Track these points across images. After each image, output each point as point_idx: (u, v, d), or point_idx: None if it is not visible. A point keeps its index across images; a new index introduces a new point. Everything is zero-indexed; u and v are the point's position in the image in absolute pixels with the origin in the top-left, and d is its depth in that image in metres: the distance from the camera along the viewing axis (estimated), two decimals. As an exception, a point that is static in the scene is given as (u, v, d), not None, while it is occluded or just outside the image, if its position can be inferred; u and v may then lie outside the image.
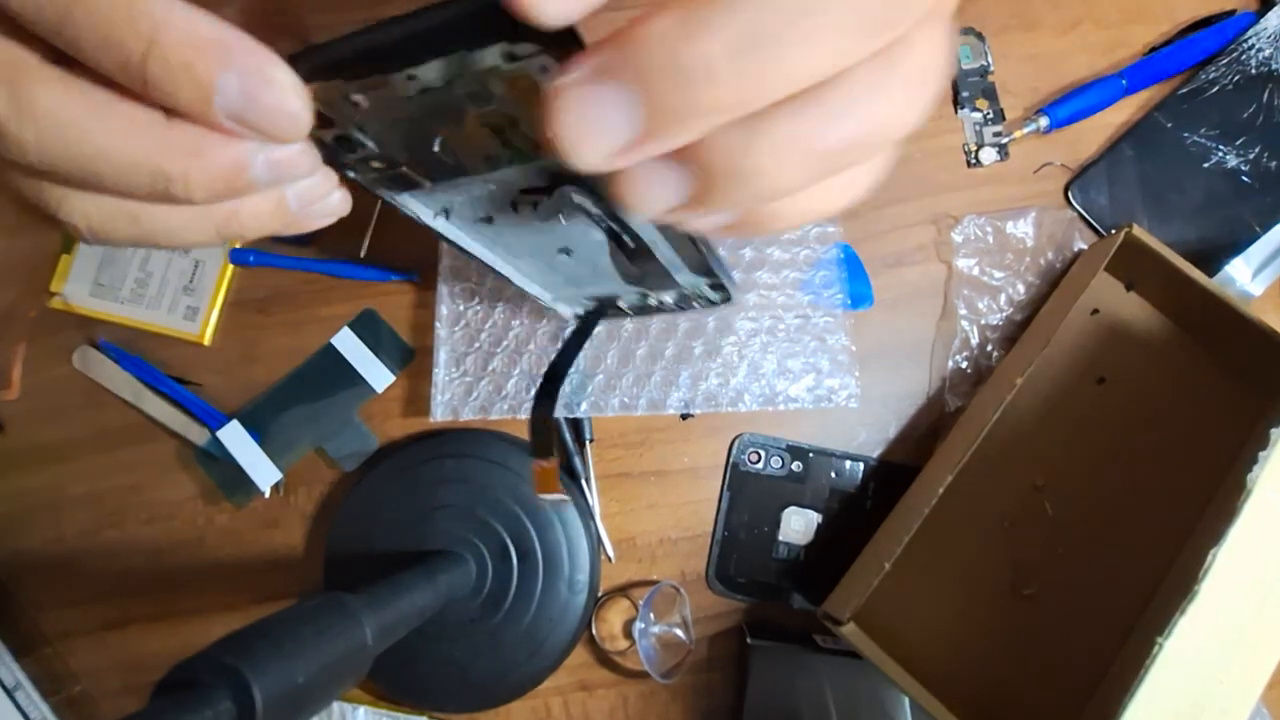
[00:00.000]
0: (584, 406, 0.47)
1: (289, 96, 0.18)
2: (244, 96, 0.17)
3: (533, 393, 0.47)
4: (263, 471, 0.47)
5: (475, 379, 0.47)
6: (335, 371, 0.48)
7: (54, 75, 0.17)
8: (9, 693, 0.45)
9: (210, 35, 0.16)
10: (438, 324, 0.48)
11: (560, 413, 0.47)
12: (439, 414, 0.46)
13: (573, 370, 0.47)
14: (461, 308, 0.48)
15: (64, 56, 0.17)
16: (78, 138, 0.17)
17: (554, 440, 0.28)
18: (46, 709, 0.46)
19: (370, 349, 0.48)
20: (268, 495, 0.48)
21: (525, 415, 0.47)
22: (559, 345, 0.48)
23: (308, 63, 0.18)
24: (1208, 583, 0.37)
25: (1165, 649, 0.36)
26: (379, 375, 0.48)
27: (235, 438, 0.47)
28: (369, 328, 0.49)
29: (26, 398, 0.49)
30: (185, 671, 0.23)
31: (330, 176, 0.22)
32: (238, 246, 0.49)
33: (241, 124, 0.18)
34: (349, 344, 0.48)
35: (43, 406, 0.49)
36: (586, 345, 0.48)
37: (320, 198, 0.22)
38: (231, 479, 0.47)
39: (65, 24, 0.16)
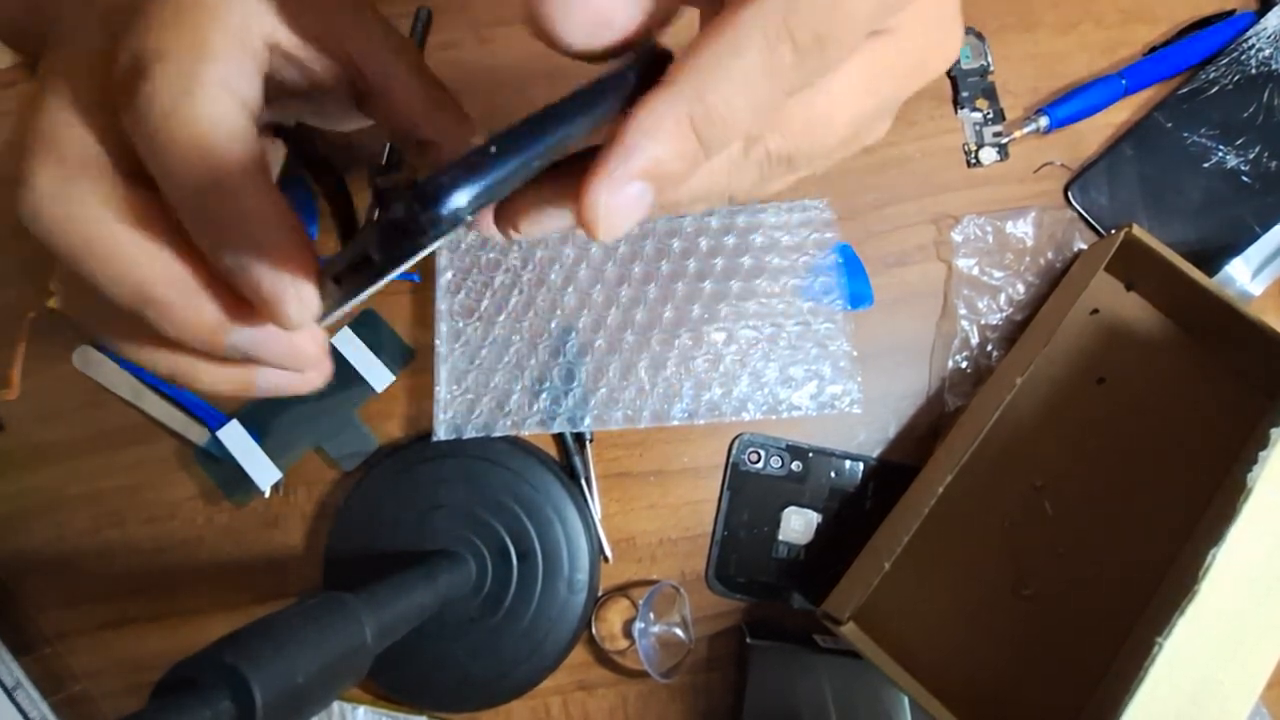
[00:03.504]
0: (587, 421, 0.47)
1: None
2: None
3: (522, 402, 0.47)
4: (263, 471, 0.47)
5: (477, 396, 0.47)
6: (335, 371, 0.48)
7: (115, 182, 0.21)
8: (9, 692, 0.45)
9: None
10: (437, 341, 0.47)
11: (564, 428, 0.47)
12: (442, 433, 0.46)
13: (575, 384, 0.47)
14: (461, 324, 0.48)
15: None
16: (96, 237, 0.21)
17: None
18: (46, 708, 0.46)
19: (370, 349, 0.48)
20: (268, 495, 0.48)
21: (529, 431, 0.47)
22: (560, 360, 0.48)
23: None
24: (1207, 582, 0.37)
25: (1165, 649, 0.36)
26: (379, 375, 0.48)
27: (235, 437, 0.47)
28: (369, 328, 0.49)
29: (26, 398, 0.49)
30: (185, 671, 0.23)
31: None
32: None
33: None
34: (349, 344, 0.48)
35: (43, 406, 0.49)
36: (589, 359, 0.48)
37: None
38: (231, 479, 0.47)
39: (155, 137, 0.20)
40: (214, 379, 0.24)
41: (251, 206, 0.20)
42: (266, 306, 0.20)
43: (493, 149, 0.15)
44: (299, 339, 0.23)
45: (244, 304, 0.21)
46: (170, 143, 0.20)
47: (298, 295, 0.20)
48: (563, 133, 0.17)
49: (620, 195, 0.17)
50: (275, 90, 0.25)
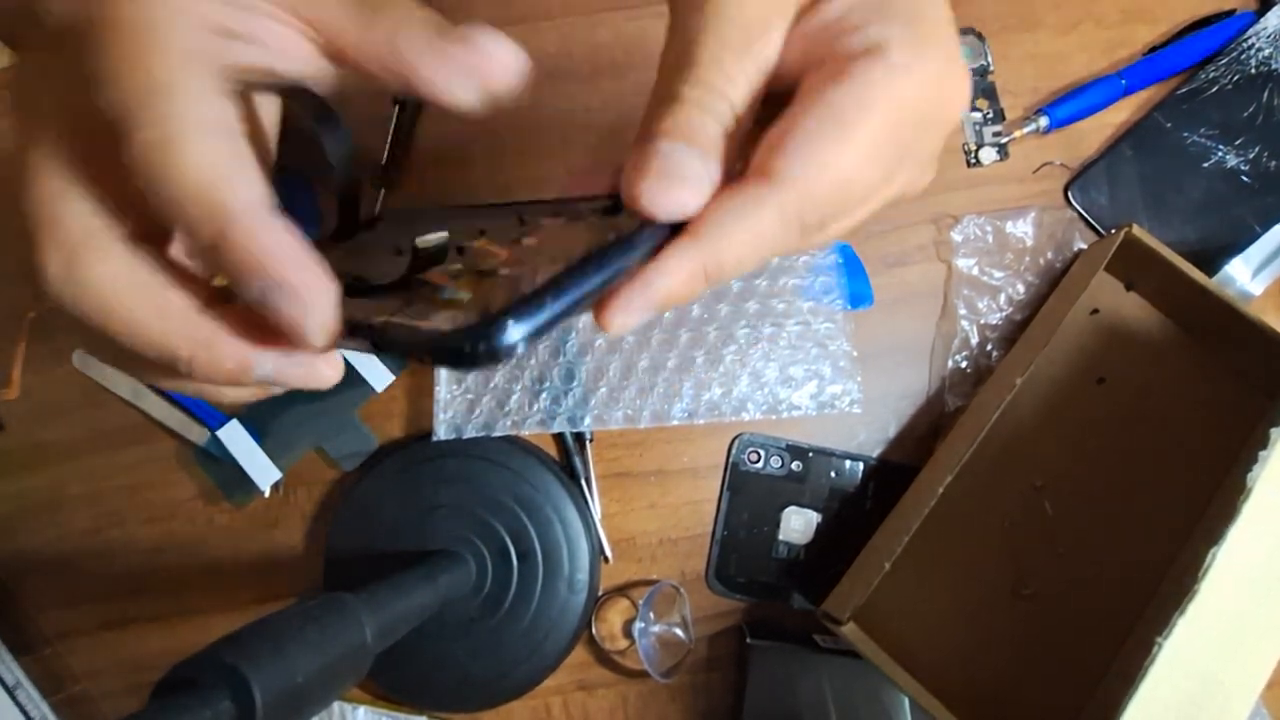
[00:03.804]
0: (588, 421, 0.47)
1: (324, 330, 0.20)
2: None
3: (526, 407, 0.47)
4: (263, 471, 0.47)
5: (477, 396, 0.47)
6: (335, 371, 0.48)
7: (118, 252, 0.21)
8: (9, 691, 0.45)
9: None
10: None
11: (564, 428, 0.47)
12: (442, 433, 0.46)
13: (575, 384, 0.47)
14: None
15: (141, 234, 0.21)
16: (111, 310, 0.21)
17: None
18: (46, 708, 0.46)
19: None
20: (268, 495, 0.48)
21: (529, 431, 0.47)
22: (560, 359, 0.48)
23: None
24: (1207, 582, 0.37)
25: (1165, 649, 0.36)
26: (379, 375, 0.48)
27: (235, 437, 0.47)
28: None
29: (26, 398, 0.49)
30: (185, 671, 0.23)
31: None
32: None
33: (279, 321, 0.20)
34: (349, 344, 0.48)
35: (43, 406, 0.49)
36: (589, 358, 0.48)
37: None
38: (231, 479, 0.47)
39: (157, 198, 0.19)
40: (239, 396, 0.25)
41: (258, 246, 0.20)
42: (289, 334, 0.21)
43: (549, 296, 0.17)
44: (319, 365, 0.23)
45: (268, 331, 0.22)
46: (170, 197, 0.20)
47: (317, 324, 0.20)
48: (608, 279, 0.19)
49: (633, 314, 0.20)
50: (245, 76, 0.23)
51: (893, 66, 0.20)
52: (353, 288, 0.22)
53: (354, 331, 0.20)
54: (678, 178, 0.20)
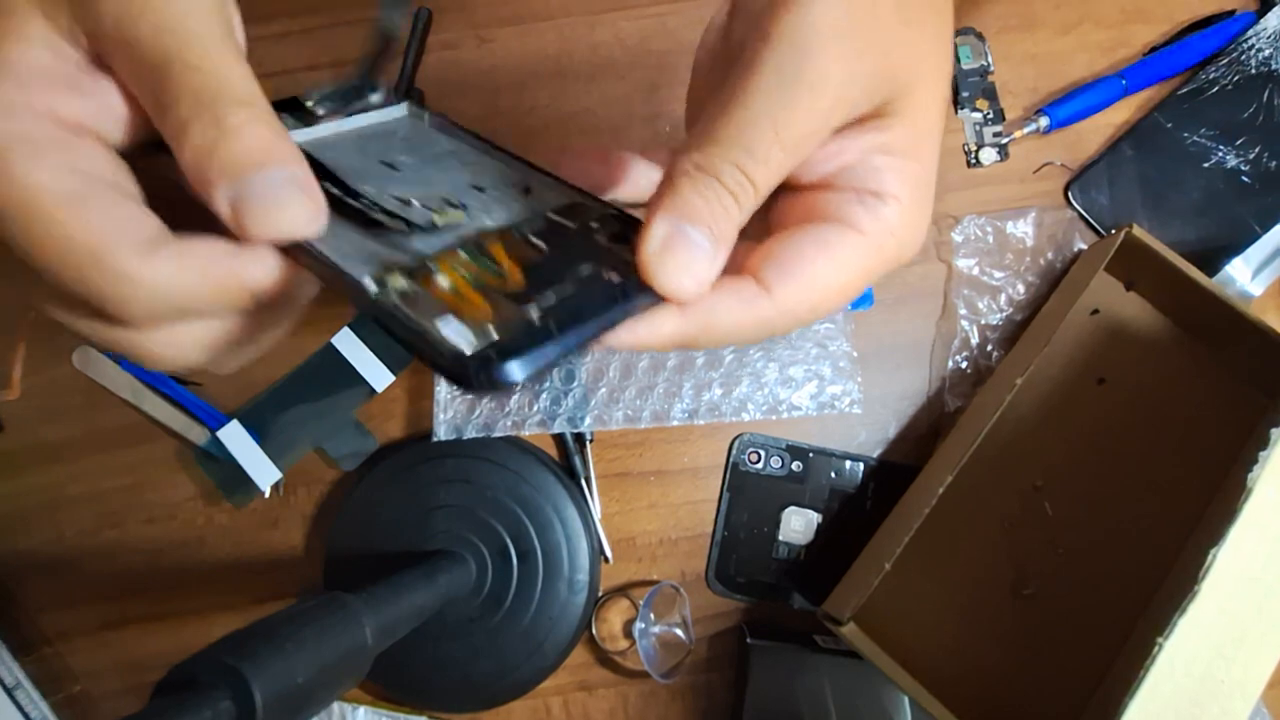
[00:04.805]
0: (588, 421, 0.47)
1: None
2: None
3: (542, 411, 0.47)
4: (263, 471, 0.47)
5: (477, 396, 0.47)
6: (335, 371, 0.48)
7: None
8: (9, 692, 0.45)
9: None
10: None
11: (564, 428, 0.47)
12: (442, 433, 0.46)
13: (575, 384, 0.47)
14: None
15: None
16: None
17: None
18: (46, 708, 0.46)
19: (370, 349, 0.48)
20: (268, 495, 0.48)
21: (529, 431, 0.47)
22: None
23: None
24: (1208, 582, 0.37)
25: (1165, 649, 0.36)
26: (379, 375, 0.48)
27: (235, 438, 0.47)
28: (369, 327, 0.49)
29: (26, 398, 0.49)
30: (185, 671, 0.23)
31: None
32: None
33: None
34: (349, 344, 0.48)
35: (43, 406, 0.49)
36: (589, 359, 0.47)
37: None
38: (231, 479, 0.47)
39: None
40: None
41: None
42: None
43: (550, 342, 0.19)
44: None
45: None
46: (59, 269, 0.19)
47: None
48: (604, 328, 0.20)
49: (604, 347, 0.21)
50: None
51: (885, 225, 0.24)
52: (336, 193, 0.22)
53: (341, 279, 0.19)
54: (695, 275, 0.22)
